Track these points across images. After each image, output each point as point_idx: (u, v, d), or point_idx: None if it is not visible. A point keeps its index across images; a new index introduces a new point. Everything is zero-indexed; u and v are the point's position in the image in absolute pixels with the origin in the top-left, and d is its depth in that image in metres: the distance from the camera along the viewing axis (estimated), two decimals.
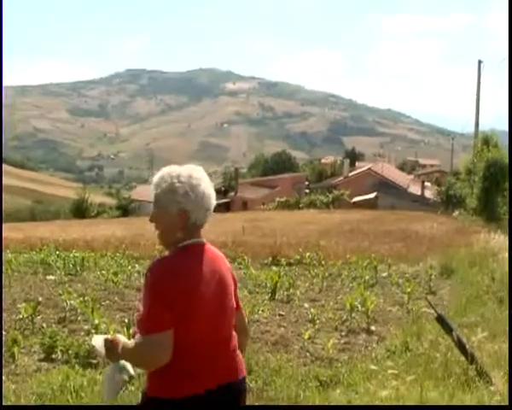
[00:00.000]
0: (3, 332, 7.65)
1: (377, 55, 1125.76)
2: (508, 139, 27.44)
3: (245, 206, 55.06)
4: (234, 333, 2.68)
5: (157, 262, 2.56)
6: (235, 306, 2.70)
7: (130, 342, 2.57)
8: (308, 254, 15.97)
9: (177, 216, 2.55)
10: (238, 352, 2.69)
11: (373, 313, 8.78)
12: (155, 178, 2.63)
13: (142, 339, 2.47)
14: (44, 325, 8.17)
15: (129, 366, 2.68)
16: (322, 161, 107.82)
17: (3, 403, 5.04)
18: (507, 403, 4.58)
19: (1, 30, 7.37)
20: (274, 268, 14.11)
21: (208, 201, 2.60)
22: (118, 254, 16.70)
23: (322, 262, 15.02)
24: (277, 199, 49.65)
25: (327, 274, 12.95)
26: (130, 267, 13.87)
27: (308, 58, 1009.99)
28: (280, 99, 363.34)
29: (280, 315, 9.29)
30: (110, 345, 2.61)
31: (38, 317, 8.42)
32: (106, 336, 2.69)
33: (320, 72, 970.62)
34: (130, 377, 2.71)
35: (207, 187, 2.61)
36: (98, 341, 2.70)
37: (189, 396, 2.47)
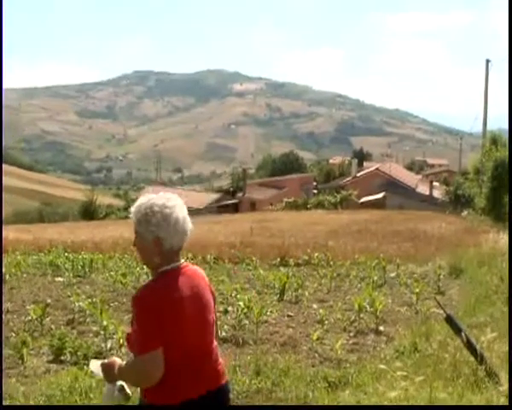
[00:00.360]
0: (12, 334, 7.69)
1: (384, 55, 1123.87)
2: (508, 139, 27.32)
3: (253, 206, 55.02)
4: (215, 343, 2.87)
5: (141, 289, 2.74)
6: (214, 319, 2.88)
7: (125, 363, 2.76)
8: (316, 254, 15.96)
9: (152, 243, 2.72)
10: (220, 360, 2.87)
11: (381, 314, 8.77)
12: (133, 208, 2.79)
13: (135, 359, 2.68)
14: (53, 326, 8.22)
15: (125, 386, 2.84)
16: (330, 161, 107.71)
17: (3, 403, 5.06)
18: (507, 403, 4.56)
19: (1, 30, 7.38)
20: (282, 269, 14.13)
21: (183, 226, 2.74)
22: (126, 256, 16.73)
23: (331, 263, 15.01)
24: (285, 200, 49.57)
25: (335, 275, 12.94)
26: (138, 269, 13.88)
27: (315, 58, 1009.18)
28: (287, 99, 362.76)
29: (288, 316, 9.29)
30: (107, 368, 2.80)
31: (47, 318, 8.47)
32: (102, 361, 2.87)
33: (327, 72, 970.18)
34: (128, 397, 2.86)
35: (181, 213, 2.75)
36: (95, 365, 2.90)
37: (185, 401, 2.64)
